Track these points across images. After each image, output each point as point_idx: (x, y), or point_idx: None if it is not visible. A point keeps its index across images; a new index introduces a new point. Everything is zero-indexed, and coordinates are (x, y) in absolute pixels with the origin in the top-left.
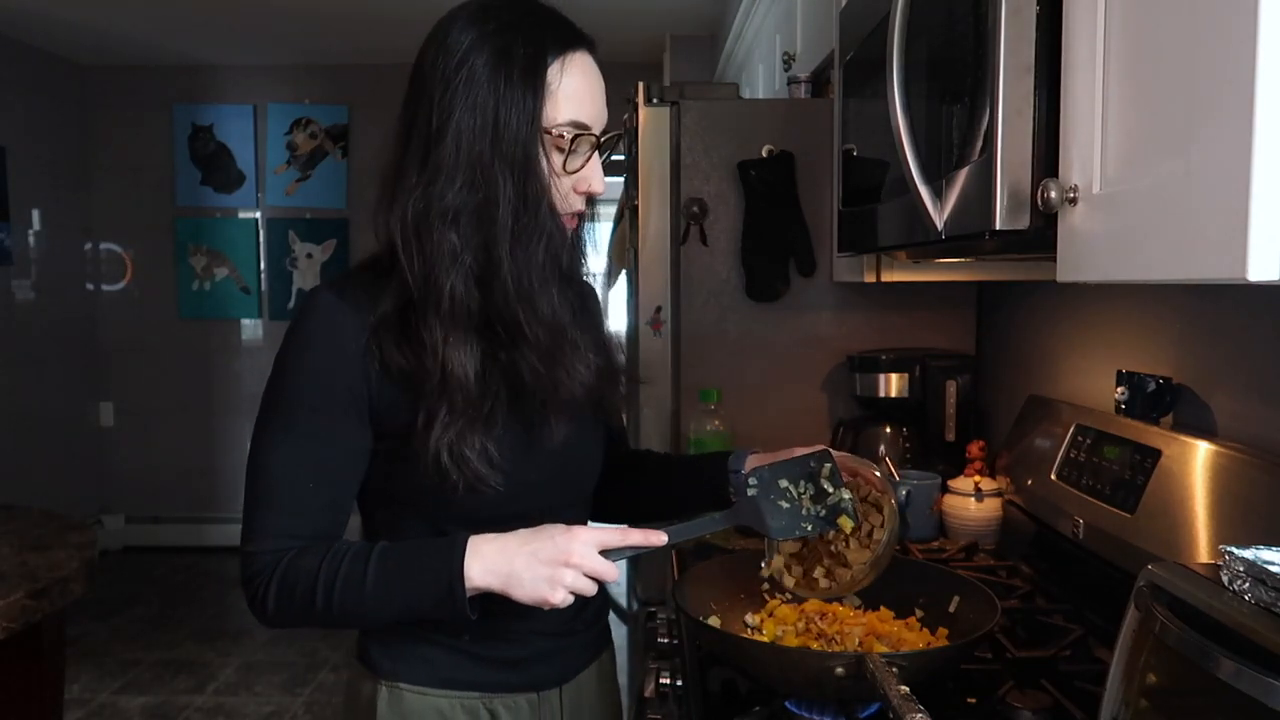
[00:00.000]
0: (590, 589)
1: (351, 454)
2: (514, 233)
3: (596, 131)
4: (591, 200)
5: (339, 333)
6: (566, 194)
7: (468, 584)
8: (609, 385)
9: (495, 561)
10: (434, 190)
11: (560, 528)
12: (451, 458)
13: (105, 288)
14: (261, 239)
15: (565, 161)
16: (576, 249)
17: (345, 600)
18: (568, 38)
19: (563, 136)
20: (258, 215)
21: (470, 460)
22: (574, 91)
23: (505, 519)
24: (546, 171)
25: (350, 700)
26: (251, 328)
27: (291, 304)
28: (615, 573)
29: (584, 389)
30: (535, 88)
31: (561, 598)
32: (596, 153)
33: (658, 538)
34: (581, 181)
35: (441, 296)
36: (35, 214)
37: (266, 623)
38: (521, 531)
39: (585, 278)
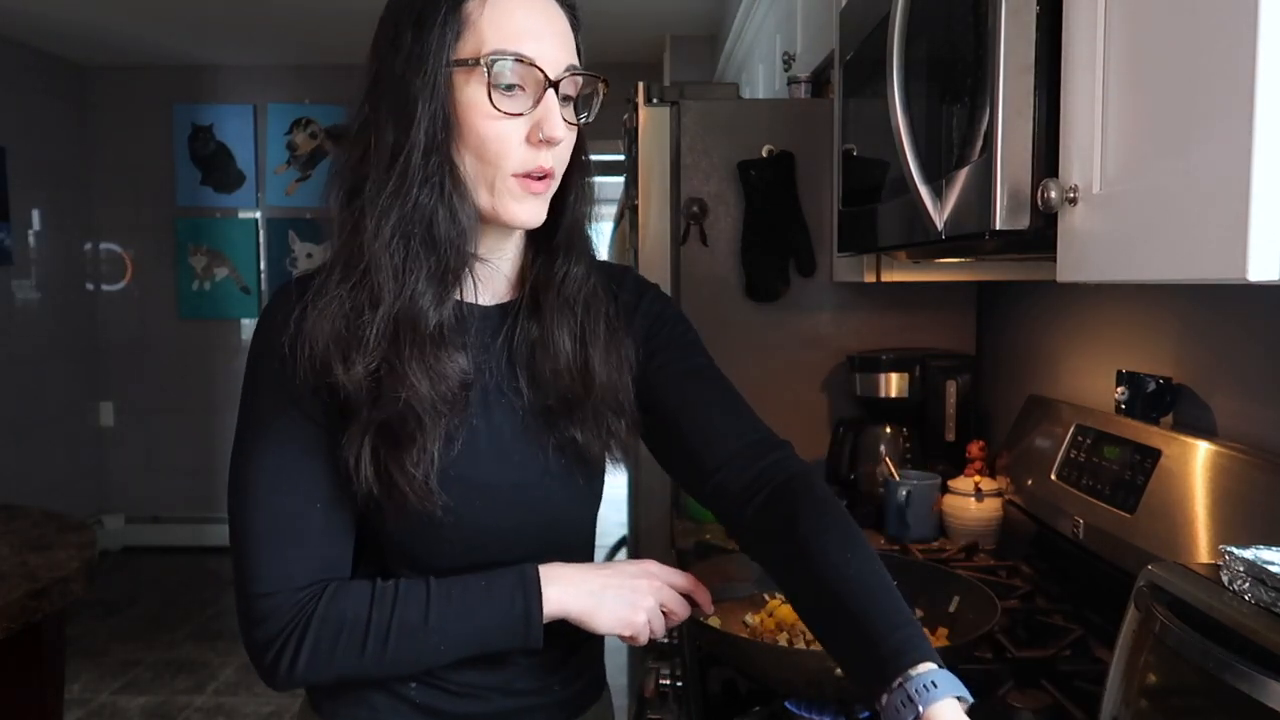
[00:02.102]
0: (661, 626)
1: None
2: (375, 188)
3: (546, 69)
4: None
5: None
6: (517, 144)
7: (545, 608)
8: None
9: (574, 578)
10: (347, 161)
11: (630, 562)
12: (377, 475)
13: (105, 288)
14: (261, 239)
15: (494, 98)
16: (457, 219)
17: (402, 646)
18: None
19: (487, 67)
20: (258, 215)
21: (395, 480)
22: (502, 20)
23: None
24: (441, 112)
25: None
26: (251, 328)
27: None
28: (688, 611)
29: (423, 410)
30: (434, 23)
31: (643, 620)
32: (552, 92)
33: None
34: (534, 128)
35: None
36: (35, 214)
37: (289, 683)
38: (590, 563)
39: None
